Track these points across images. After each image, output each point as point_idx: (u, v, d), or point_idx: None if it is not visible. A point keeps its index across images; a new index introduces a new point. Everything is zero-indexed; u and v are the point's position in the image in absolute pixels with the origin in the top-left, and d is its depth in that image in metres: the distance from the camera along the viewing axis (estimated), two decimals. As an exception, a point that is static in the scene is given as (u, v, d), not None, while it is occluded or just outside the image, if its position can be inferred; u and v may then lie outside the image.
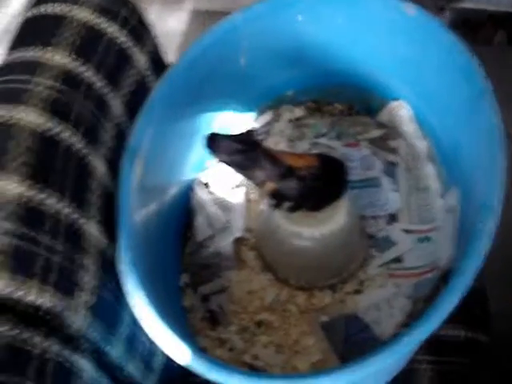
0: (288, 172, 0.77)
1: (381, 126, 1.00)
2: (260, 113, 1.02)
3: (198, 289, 0.91)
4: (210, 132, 0.77)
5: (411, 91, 0.95)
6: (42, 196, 0.71)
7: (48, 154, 0.74)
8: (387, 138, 0.98)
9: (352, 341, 0.85)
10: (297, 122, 1.03)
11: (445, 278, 0.85)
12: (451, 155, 0.90)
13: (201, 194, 0.97)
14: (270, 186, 0.78)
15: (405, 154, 0.96)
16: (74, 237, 0.73)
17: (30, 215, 0.69)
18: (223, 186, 0.98)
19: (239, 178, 0.97)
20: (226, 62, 0.92)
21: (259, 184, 0.79)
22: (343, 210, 0.85)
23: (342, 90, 1.01)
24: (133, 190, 0.80)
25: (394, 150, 0.97)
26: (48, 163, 0.74)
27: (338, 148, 0.98)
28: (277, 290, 0.89)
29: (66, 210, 0.73)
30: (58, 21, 0.83)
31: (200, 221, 0.95)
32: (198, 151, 0.96)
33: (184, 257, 0.94)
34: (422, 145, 0.95)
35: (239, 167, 0.78)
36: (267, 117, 1.03)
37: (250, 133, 0.78)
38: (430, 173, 0.94)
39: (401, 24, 0.89)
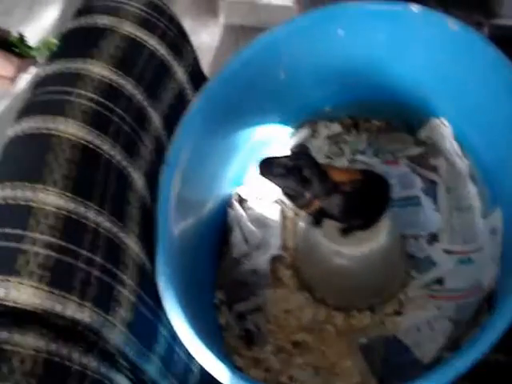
0: (333, 188, 0.75)
1: (420, 143, 0.98)
2: (297, 128, 1.01)
3: (233, 306, 0.89)
4: (262, 158, 0.76)
5: (452, 108, 0.93)
6: (82, 209, 0.70)
7: (88, 167, 0.73)
8: (427, 155, 0.96)
9: (391, 363, 0.83)
10: (334, 139, 1.01)
11: (488, 299, 0.83)
12: (494, 174, 0.87)
13: (238, 209, 0.95)
14: (316, 205, 0.76)
15: (445, 173, 0.94)
16: (113, 251, 0.71)
17: (69, 228, 0.68)
18: (260, 201, 0.96)
19: (276, 194, 0.95)
20: (265, 76, 0.91)
21: (306, 205, 0.77)
22: (384, 228, 0.83)
23: (380, 106, 0.99)
24: (171, 204, 0.79)
25: (434, 169, 0.95)
26: (88, 176, 0.73)
27: (376, 165, 0.96)
28: (314, 310, 0.87)
29: (106, 224, 0.71)
30: (99, 33, 0.83)
31: (236, 237, 0.93)
32: (236, 166, 0.94)
33: (220, 273, 0.93)
34: (463, 163, 0.93)
35: (290, 190, 0.76)
36: (304, 132, 1.01)
37: (302, 148, 0.78)
38: (471, 192, 0.92)
39: (443, 40, 0.87)
